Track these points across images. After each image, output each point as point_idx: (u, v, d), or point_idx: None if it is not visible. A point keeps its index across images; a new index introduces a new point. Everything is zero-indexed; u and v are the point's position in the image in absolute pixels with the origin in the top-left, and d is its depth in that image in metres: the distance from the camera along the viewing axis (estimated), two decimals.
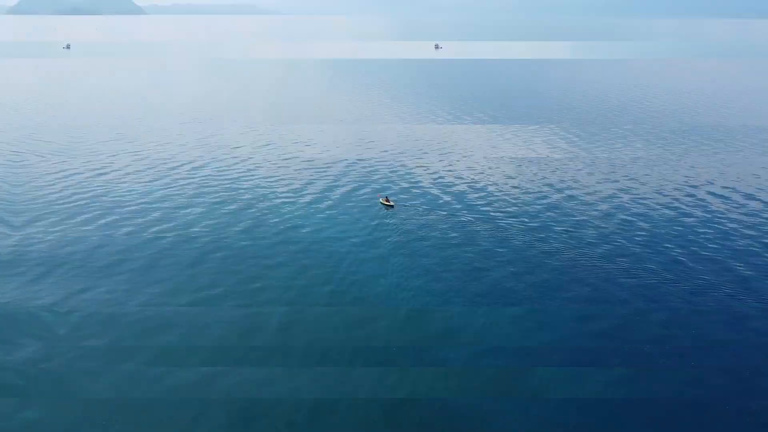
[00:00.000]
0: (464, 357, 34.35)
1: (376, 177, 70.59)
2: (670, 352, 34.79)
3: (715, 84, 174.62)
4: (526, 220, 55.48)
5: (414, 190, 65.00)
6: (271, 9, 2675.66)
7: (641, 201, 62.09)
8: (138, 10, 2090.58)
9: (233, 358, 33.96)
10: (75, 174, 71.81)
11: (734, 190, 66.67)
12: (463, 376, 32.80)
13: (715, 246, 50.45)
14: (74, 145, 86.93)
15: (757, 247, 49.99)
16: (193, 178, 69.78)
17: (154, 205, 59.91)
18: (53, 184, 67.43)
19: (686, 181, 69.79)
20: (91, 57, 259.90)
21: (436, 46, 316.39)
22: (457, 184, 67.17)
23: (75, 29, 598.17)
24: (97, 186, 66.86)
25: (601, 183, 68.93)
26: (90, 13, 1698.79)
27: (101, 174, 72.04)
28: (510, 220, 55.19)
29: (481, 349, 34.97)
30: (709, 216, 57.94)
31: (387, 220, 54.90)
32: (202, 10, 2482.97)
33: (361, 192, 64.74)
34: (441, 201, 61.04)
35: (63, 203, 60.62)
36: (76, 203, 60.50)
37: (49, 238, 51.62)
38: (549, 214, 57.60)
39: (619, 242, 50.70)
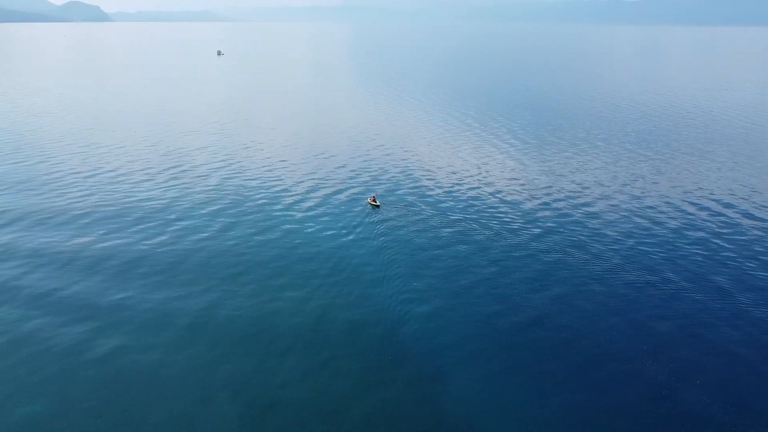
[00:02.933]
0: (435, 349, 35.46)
1: (364, 179, 71.50)
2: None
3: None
4: (507, 222, 55.95)
5: (399, 192, 65.93)
6: (228, 17, 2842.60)
7: (625, 208, 61.15)
8: (106, 18, 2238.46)
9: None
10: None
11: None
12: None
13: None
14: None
15: None
16: (183, 181, 70.44)
17: (151, 206, 61.07)
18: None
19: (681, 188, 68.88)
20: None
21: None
22: (440, 187, 67.96)
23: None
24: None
25: (589, 187, 68.79)
26: (60, 21, 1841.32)
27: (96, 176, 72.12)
28: (492, 223, 55.86)
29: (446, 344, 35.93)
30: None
31: (371, 219, 56.65)
32: (166, 18, 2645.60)
33: (350, 192, 65.74)
34: (424, 202, 62.00)
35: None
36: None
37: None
38: (533, 217, 57.77)
39: (601, 246, 50.72)
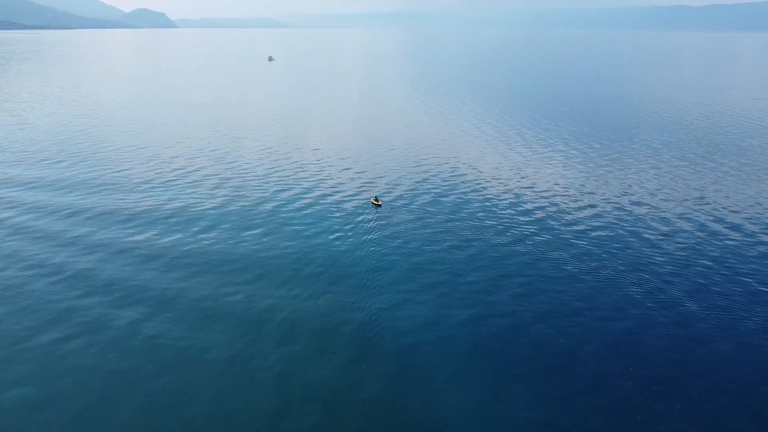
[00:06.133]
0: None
1: (369, 179, 73.26)
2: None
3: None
4: (507, 226, 55.73)
5: (403, 192, 67.31)
6: (287, 23, 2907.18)
7: (633, 220, 57.87)
8: (171, 24, 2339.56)
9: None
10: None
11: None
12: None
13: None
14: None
15: None
16: (201, 181, 72.80)
17: (166, 205, 63.19)
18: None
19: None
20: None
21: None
22: (446, 188, 68.78)
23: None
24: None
25: (591, 194, 67.30)
26: (129, 27, 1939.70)
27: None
28: (490, 226, 55.77)
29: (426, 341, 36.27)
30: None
31: (371, 217, 58.27)
32: (227, 24, 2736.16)
33: (355, 191, 67.80)
34: (426, 203, 63.20)
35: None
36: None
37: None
38: (535, 223, 56.82)
39: (596, 255, 49.03)
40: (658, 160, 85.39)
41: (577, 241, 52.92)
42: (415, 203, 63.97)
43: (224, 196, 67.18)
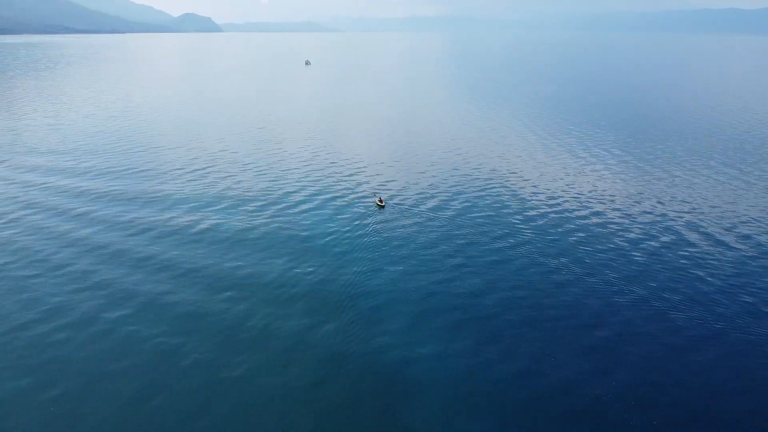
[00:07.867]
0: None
1: (376, 179, 74.40)
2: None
3: None
4: (507, 232, 55.50)
5: (408, 194, 67.73)
6: (330, 27, 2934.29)
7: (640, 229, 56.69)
8: (217, 28, 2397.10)
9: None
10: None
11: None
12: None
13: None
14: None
15: None
16: (214, 179, 74.65)
17: (179, 200, 65.38)
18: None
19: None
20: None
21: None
22: (450, 190, 69.32)
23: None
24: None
25: (600, 202, 65.71)
26: (176, 31, 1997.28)
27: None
28: (489, 230, 55.68)
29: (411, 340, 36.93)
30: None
31: (371, 213, 60.23)
32: (271, 28, 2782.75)
33: (361, 192, 68.51)
34: (429, 205, 63.35)
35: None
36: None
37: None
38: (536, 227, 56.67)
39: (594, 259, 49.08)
40: (678, 169, 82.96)
41: (574, 249, 52.17)
42: (417, 204, 64.16)
43: (237, 191, 69.63)
